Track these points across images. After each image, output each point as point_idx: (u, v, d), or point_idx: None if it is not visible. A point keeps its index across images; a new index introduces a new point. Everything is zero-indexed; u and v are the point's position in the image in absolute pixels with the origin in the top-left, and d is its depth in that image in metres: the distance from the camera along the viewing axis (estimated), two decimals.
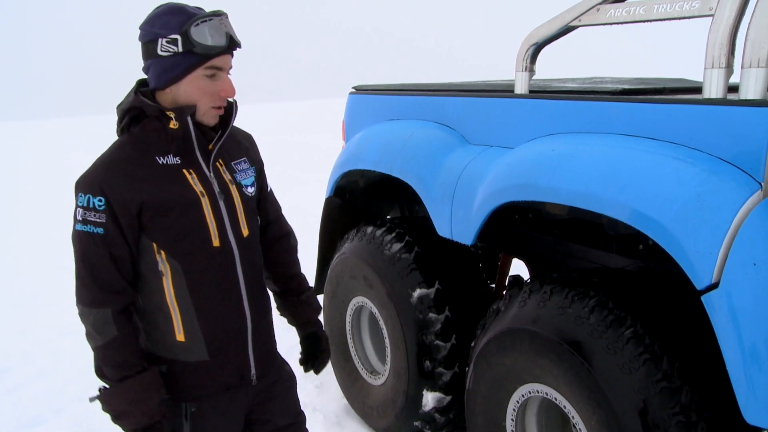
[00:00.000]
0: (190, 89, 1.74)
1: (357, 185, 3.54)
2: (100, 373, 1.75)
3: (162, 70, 1.73)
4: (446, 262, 2.91)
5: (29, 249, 8.02)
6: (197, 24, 1.69)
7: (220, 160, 1.89)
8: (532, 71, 2.53)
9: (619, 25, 2.24)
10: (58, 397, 4.09)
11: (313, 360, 2.35)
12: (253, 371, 1.94)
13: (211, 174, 1.84)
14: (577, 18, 2.33)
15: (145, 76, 1.81)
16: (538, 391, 2.19)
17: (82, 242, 1.71)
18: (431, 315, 2.75)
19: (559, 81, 3.03)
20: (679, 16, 1.99)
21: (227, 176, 1.88)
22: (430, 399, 2.79)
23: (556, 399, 2.10)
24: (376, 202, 3.75)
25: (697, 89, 2.58)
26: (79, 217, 1.71)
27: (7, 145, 24.42)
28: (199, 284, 1.80)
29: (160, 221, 1.74)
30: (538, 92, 2.48)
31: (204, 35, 1.70)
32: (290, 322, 2.32)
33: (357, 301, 3.22)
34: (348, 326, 3.37)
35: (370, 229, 3.11)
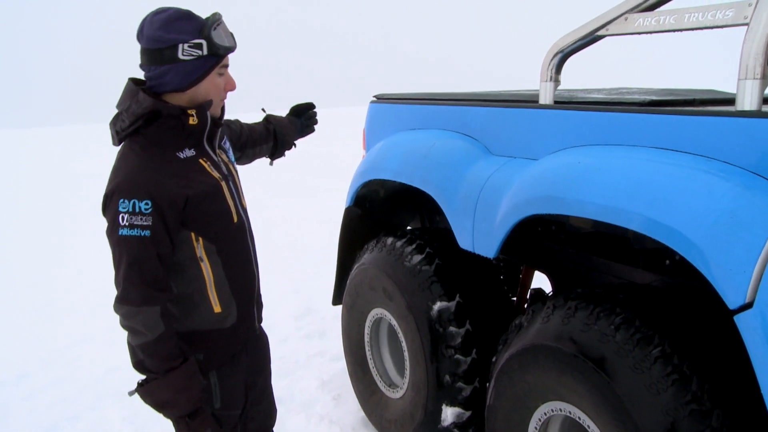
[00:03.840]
0: (209, 87, 1.91)
1: (377, 195, 3.50)
2: (141, 367, 1.87)
3: (186, 73, 1.86)
4: (467, 274, 2.85)
5: (44, 257, 8.06)
6: (215, 27, 1.85)
7: (218, 145, 2.10)
8: (557, 81, 2.47)
9: (648, 35, 2.19)
10: (73, 404, 4.09)
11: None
12: (256, 321, 2.25)
13: (218, 159, 2.05)
14: (604, 27, 2.27)
15: (139, 79, 1.94)
16: (560, 410, 2.13)
17: (131, 246, 1.79)
18: (451, 329, 2.70)
19: (584, 91, 2.97)
20: (711, 26, 1.93)
21: (225, 157, 2.11)
22: (449, 414, 2.74)
23: (579, 418, 2.04)
24: (397, 212, 3.70)
25: (729, 101, 2.52)
26: (124, 223, 1.78)
27: (10, 154, 24.60)
28: (229, 259, 2.01)
29: (197, 211, 1.89)
30: (564, 103, 2.43)
31: (221, 38, 1.87)
32: (287, 136, 2.68)
33: (376, 312, 3.18)
34: (366, 338, 3.32)
35: (390, 240, 3.07)
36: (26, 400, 4.20)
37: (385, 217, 3.62)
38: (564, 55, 2.43)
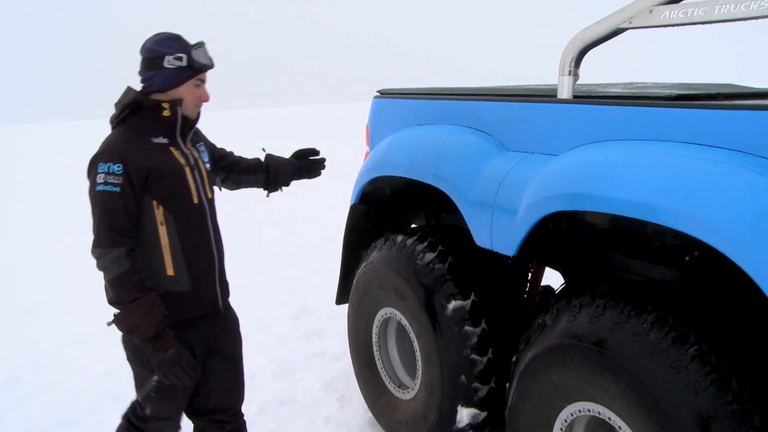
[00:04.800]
0: (185, 93, 2.45)
1: (382, 192, 3.44)
2: (114, 301, 2.29)
3: (168, 77, 2.40)
4: (481, 272, 2.80)
5: (33, 256, 7.90)
6: (196, 49, 2.43)
7: (190, 143, 2.57)
8: (576, 75, 2.43)
9: (675, 27, 2.15)
10: (68, 408, 3.98)
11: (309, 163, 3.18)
12: (220, 301, 2.60)
13: (188, 151, 2.53)
14: (627, 20, 2.23)
15: (136, 83, 2.46)
16: (588, 410, 2.09)
17: (104, 198, 2.28)
18: (467, 328, 2.65)
19: (601, 86, 2.93)
20: (744, 17, 1.89)
21: (195, 154, 2.58)
22: (464, 415, 2.69)
23: (610, 419, 2.00)
24: (401, 209, 3.64)
25: (752, 95, 2.49)
26: (100, 181, 2.27)
27: (7, 150, 24.26)
28: (185, 231, 2.43)
29: (160, 183, 2.36)
30: (583, 97, 2.38)
31: (200, 56, 2.44)
32: (280, 174, 3.07)
33: (385, 312, 3.12)
34: (374, 338, 3.26)
35: (399, 238, 3.01)
36: (18, 405, 4.08)
37: (389, 215, 3.55)
38: (584, 49, 2.38)
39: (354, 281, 3.30)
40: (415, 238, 2.94)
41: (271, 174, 3.05)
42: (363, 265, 3.21)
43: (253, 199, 10.41)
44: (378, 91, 3.56)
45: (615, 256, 2.63)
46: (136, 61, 2.50)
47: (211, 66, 2.50)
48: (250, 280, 6.22)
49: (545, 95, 2.57)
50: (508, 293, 2.85)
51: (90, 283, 5.42)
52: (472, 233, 2.57)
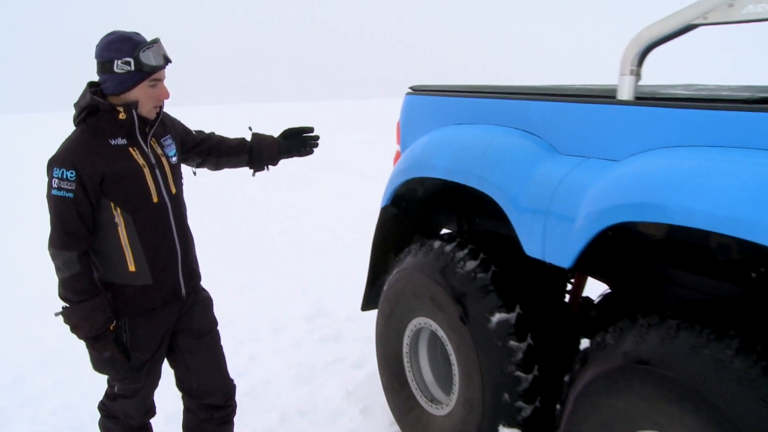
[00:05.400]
0: (139, 95, 2.44)
1: (415, 194, 3.26)
2: (63, 297, 2.43)
3: (118, 83, 2.41)
4: (526, 283, 2.63)
5: (33, 251, 7.71)
6: (144, 50, 2.40)
7: (153, 139, 2.58)
8: (638, 75, 2.25)
9: (758, 23, 1.97)
10: (78, 411, 3.81)
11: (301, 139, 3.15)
12: (183, 289, 2.65)
13: (149, 150, 2.53)
14: (702, 15, 2.05)
15: (96, 79, 2.49)
16: None
17: (57, 203, 2.36)
18: (512, 343, 2.47)
19: (662, 87, 2.75)
20: None
21: (159, 150, 2.58)
22: None
23: None
24: (433, 212, 3.46)
25: None
26: (54, 185, 2.35)
27: (7, 140, 24.03)
28: (145, 230, 2.48)
29: (116, 186, 2.41)
30: (648, 99, 2.21)
31: (149, 58, 2.41)
32: (264, 153, 3.03)
33: (419, 322, 2.94)
34: (405, 349, 3.09)
35: (437, 244, 2.83)
36: (24, 406, 3.93)
37: (421, 218, 3.38)
38: (648, 47, 2.20)
39: (385, 287, 3.12)
40: (454, 244, 2.76)
41: (255, 154, 3.02)
42: (396, 271, 3.03)
43: (257, 195, 10.43)
44: (411, 88, 3.39)
45: (673, 270, 2.46)
46: None
47: (162, 66, 2.46)
48: (261, 279, 6.06)
49: (603, 95, 2.39)
50: (553, 306, 2.67)
51: None
52: (521, 241, 2.40)
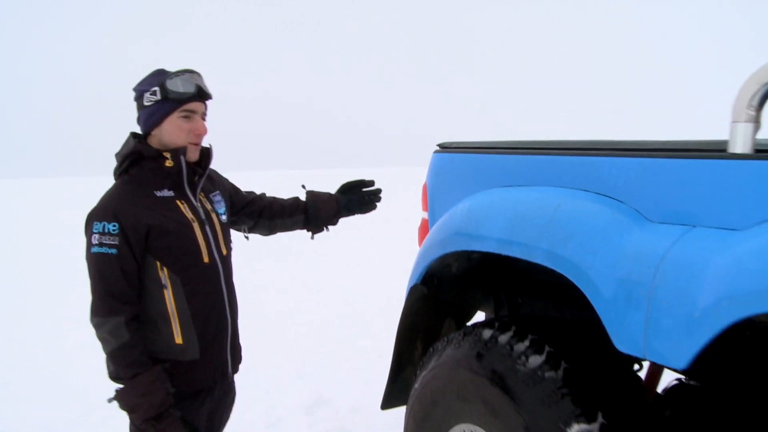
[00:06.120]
0: (170, 129, 2.20)
1: (448, 270, 2.74)
2: (114, 376, 2.11)
3: (147, 117, 2.20)
4: (607, 383, 2.10)
5: (31, 312, 7.12)
6: (171, 78, 2.17)
7: (202, 194, 2.36)
8: (758, 123, 1.80)
9: None
10: None
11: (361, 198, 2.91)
12: (230, 367, 2.41)
13: (198, 204, 2.31)
14: None
15: (138, 129, 2.28)
16: None
17: (99, 262, 2.08)
18: None
19: None
20: None
21: (208, 206, 2.36)
22: None
23: None
24: (465, 292, 2.93)
25: None
26: (95, 242, 2.08)
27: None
28: (194, 294, 2.22)
29: (163, 242, 2.16)
30: None
31: (176, 85, 2.17)
32: (321, 211, 2.77)
33: (462, 430, 2.38)
34: None
35: (487, 333, 2.29)
36: None
37: (454, 299, 2.85)
38: None
39: (416, 385, 2.56)
40: (509, 333, 2.23)
41: (311, 213, 2.78)
42: (432, 365, 2.48)
43: (252, 264, 9.81)
44: (439, 145, 2.91)
45: None
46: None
47: (192, 93, 2.20)
48: (253, 360, 5.41)
49: (707, 149, 1.93)
50: (639, 410, 2.13)
51: None
52: (610, 334, 1.87)
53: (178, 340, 2.20)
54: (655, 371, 2.46)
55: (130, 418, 2.18)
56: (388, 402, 2.91)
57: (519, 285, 2.84)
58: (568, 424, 1.97)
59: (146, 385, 2.07)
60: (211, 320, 2.27)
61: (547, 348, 2.14)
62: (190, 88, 2.19)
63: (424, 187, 2.94)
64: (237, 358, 2.48)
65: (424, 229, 2.94)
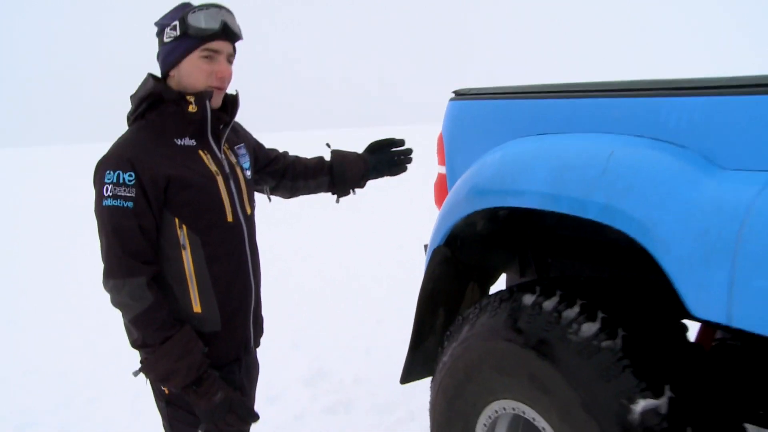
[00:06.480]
0: (189, 69, 1.95)
1: (473, 230, 2.48)
2: (141, 343, 1.89)
3: (165, 54, 1.96)
4: (669, 352, 1.87)
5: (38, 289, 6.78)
6: (194, 12, 1.92)
7: (226, 145, 2.12)
8: None
9: None
10: None
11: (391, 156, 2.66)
12: (251, 341, 2.19)
13: (222, 156, 2.07)
14: None
15: (157, 69, 2.03)
16: None
17: (113, 216, 1.84)
18: None
19: None
20: None
21: (233, 159, 2.13)
22: None
23: None
24: (487, 253, 2.68)
25: None
26: (108, 193, 1.84)
27: (8, 174, 23.23)
28: (215, 257, 1.98)
29: (183, 196, 1.92)
30: None
31: (198, 20, 1.91)
32: (347, 172, 2.53)
33: (502, 407, 2.14)
34: None
35: (529, 298, 2.05)
36: None
37: (478, 261, 2.60)
38: None
39: (445, 358, 2.32)
40: (555, 299, 1.99)
41: (337, 175, 2.53)
42: (463, 335, 2.23)
43: None
44: (455, 92, 2.63)
45: None
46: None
47: (215, 29, 1.92)
48: None
49: None
50: (707, 381, 1.91)
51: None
52: (684, 298, 1.64)
53: (197, 308, 1.98)
54: (707, 335, 2.23)
55: (161, 388, 2.01)
56: (409, 375, 2.67)
57: (547, 244, 2.60)
58: (633, 400, 1.75)
59: (181, 347, 1.87)
60: (234, 288, 2.06)
61: (600, 314, 1.90)
62: (214, 25, 1.92)
63: (440, 140, 2.67)
64: (259, 331, 2.28)
65: (442, 185, 2.68)
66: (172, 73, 1.98)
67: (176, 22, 1.92)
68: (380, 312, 5.44)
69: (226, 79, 2.03)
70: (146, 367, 1.93)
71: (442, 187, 2.69)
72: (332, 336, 4.98)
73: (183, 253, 1.94)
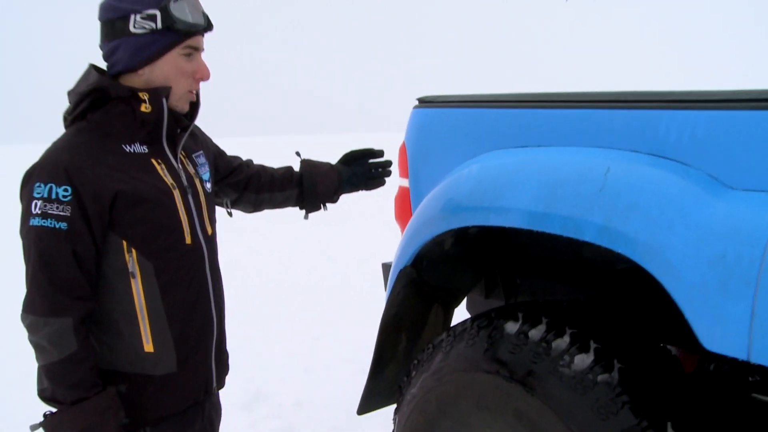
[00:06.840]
0: (168, 69, 1.70)
1: (440, 250, 2.29)
2: (47, 395, 1.61)
3: (136, 49, 1.65)
4: (673, 387, 1.73)
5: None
6: (176, 1, 1.65)
7: (183, 152, 1.85)
8: None
9: None
10: None
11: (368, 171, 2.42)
12: (214, 381, 1.90)
13: (179, 166, 1.80)
14: None
15: (100, 62, 1.75)
16: None
17: (41, 240, 1.56)
18: None
19: None
20: None
21: (191, 169, 1.86)
22: None
23: None
24: (453, 273, 2.50)
25: None
26: (36, 211, 1.55)
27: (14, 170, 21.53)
28: (171, 286, 1.73)
29: (133, 214, 1.65)
30: None
31: (184, 12, 1.66)
32: (319, 186, 2.28)
33: None
34: None
35: (512, 326, 1.87)
36: None
37: (444, 283, 2.41)
38: None
39: (414, 390, 2.11)
40: (542, 327, 1.82)
41: (307, 188, 2.28)
42: (435, 365, 2.04)
43: None
44: (420, 100, 2.45)
45: None
46: None
47: (202, 25, 1.72)
48: None
49: None
50: (709, 417, 1.78)
51: None
52: (696, 329, 1.49)
53: (148, 347, 1.70)
54: (689, 360, 2.12)
55: None
56: (367, 405, 2.46)
57: (517, 263, 2.44)
58: None
59: (92, 417, 1.56)
60: (192, 321, 1.78)
61: (593, 344, 1.75)
62: (200, 18, 1.70)
63: (402, 150, 2.47)
64: (223, 369, 1.99)
65: (404, 199, 2.49)
66: (142, 71, 1.70)
67: (155, 12, 1.64)
68: (317, 329, 5.21)
69: (206, 80, 1.81)
70: (48, 425, 1.62)
71: (404, 202, 2.49)
72: (266, 354, 4.70)
73: (132, 282, 1.67)
